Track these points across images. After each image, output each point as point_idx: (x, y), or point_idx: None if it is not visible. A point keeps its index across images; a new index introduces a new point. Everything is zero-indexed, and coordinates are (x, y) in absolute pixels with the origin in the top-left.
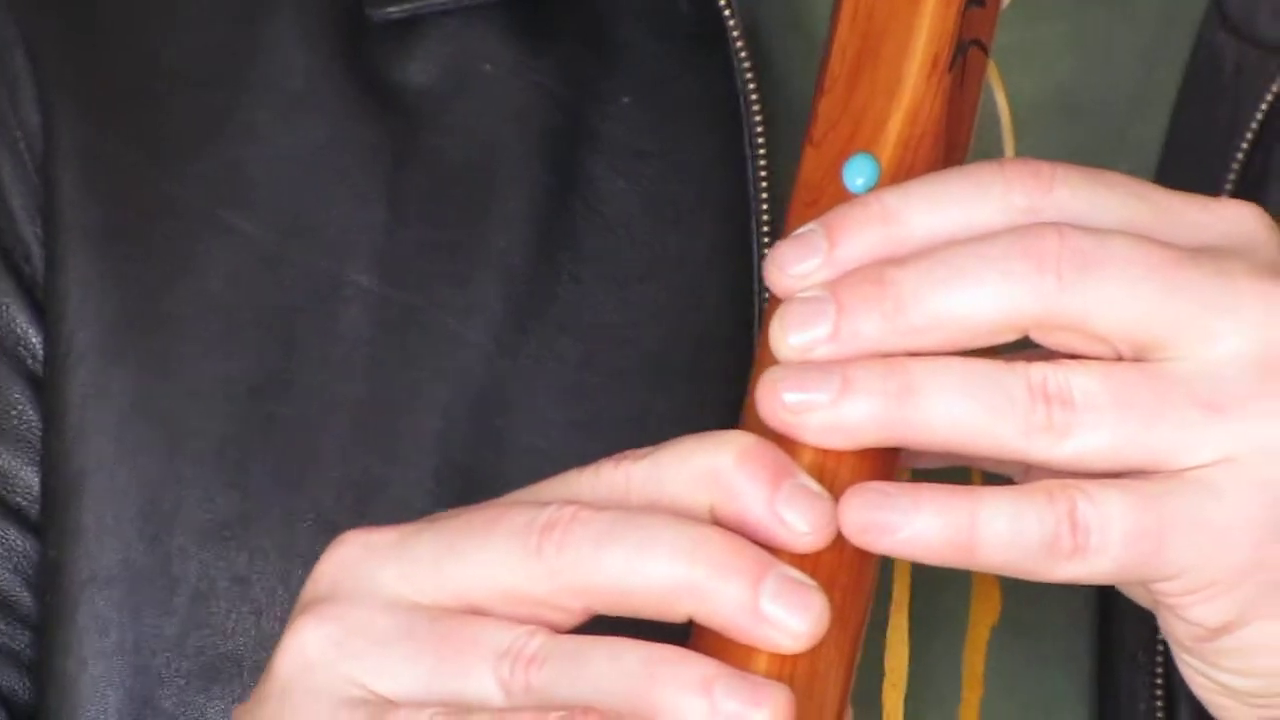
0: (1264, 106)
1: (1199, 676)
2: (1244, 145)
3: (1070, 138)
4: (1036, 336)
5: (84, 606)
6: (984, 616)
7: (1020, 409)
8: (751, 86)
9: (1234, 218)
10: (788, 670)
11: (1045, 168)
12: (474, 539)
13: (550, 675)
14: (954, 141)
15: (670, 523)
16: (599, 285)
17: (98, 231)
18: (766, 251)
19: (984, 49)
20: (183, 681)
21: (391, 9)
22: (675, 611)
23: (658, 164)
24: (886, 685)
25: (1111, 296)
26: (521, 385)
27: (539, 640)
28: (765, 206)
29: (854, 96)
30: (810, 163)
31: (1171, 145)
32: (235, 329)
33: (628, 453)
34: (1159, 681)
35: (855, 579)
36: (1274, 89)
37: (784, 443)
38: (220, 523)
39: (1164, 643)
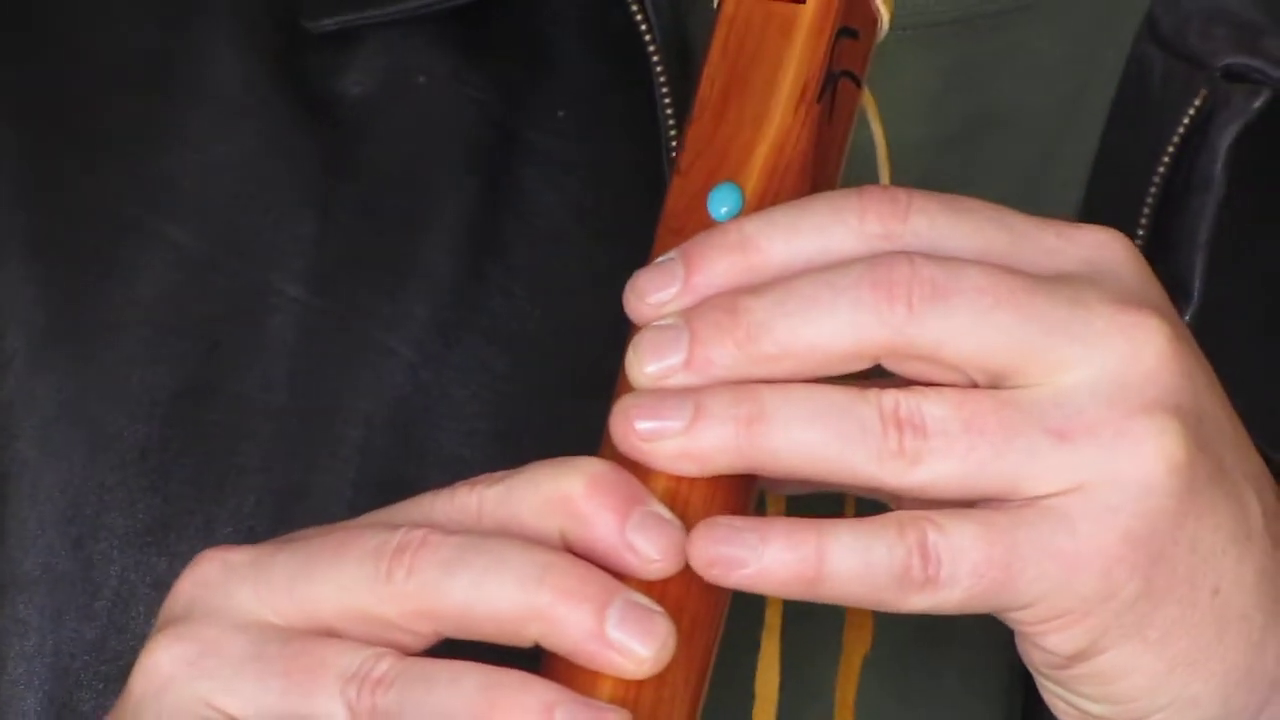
0: (1186, 120)
1: (1060, 702)
2: (1167, 158)
3: (1002, 153)
4: (890, 365)
5: (4, 610)
6: (857, 646)
7: (871, 435)
8: (668, 102)
9: (1095, 243)
10: (632, 695)
11: (902, 195)
12: (327, 561)
13: (395, 698)
14: (822, 173)
15: (517, 548)
16: (528, 297)
17: (28, 237)
18: None
19: (856, 81)
20: (101, 685)
21: (328, 21)
22: (522, 637)
23: (590, 177)
24: (755, 712)
25: (962, 326)
26: (445, 396)
27: (386, 663)
28: None
29: (721, 126)
30: (676, 191)
31: (1101, 158)
32: (161, 336)
33: (483, 476)
34: None
35: (704, 605)
36: (1197, 102)
37: (638, 469)
38: (142, 528)
39: None
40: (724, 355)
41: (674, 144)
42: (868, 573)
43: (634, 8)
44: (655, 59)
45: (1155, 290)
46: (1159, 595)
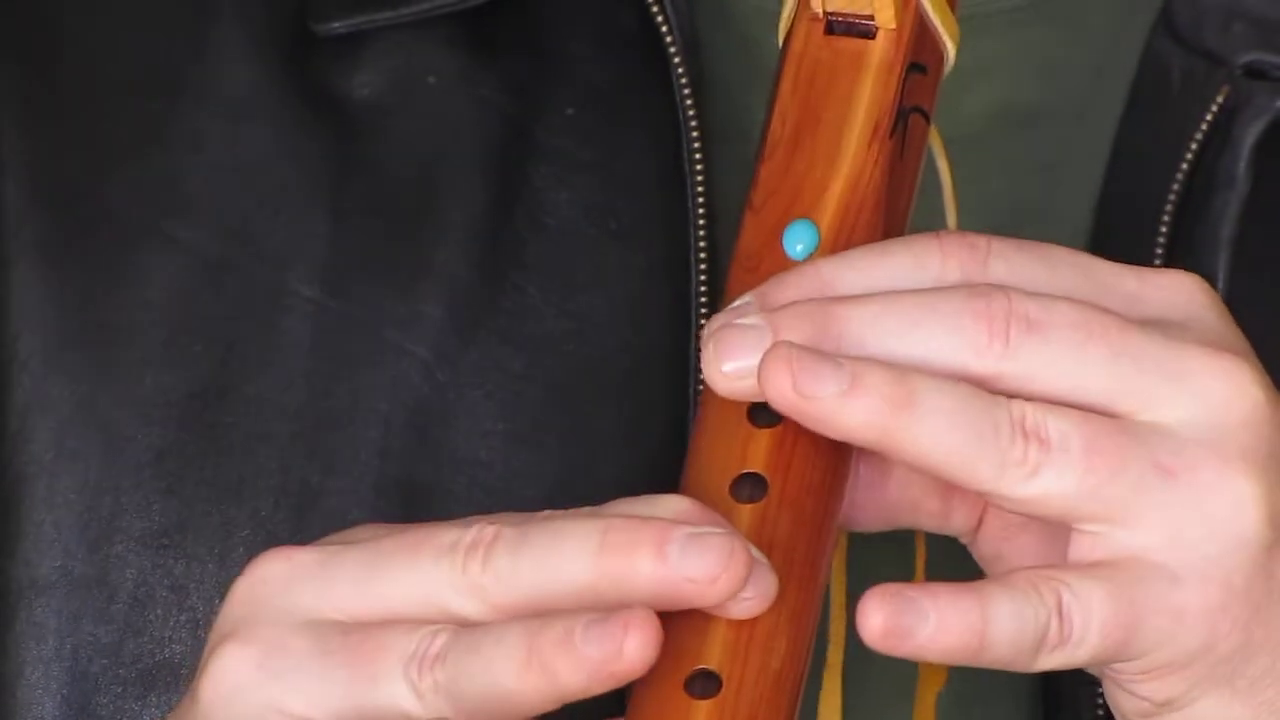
0: (1209, 116)
1: None
2: (1189, 155)
3: (1018, 150)
4: None
5: (22, 613)
6: (931, 682)
7: (1002, 440)
8: (690, 103)
9: (1175, 287)
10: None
11: (981, 241)
12: (402, 560)
13: (450, 670)
14: (895, 208)
15: (574, 520)
16: (541, 296)
17: (41, 241)
18: (703, 266)
19: (926, 116)
20: (119, 689)
21: (336, 24)
22: (604, 602)
23: (601, 175)
24: None
25: (1056, 361)
26: (461, 396)
27: (442, 639)
28: (702, 222)
29: (794, 163)
30: (750, 229)
31: (1118, 154)
32: (176, 338)
33: (568, 511)
34: None
35: (795, 631)
36: (1219, 99)
37: (720, 504)
38: (159, 531)
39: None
40: None
41: (696, 143)
42: (1020, 636)
43: (654, 8)
44: (676, 60)
45: (1237, 334)
46: (1255, 646)
